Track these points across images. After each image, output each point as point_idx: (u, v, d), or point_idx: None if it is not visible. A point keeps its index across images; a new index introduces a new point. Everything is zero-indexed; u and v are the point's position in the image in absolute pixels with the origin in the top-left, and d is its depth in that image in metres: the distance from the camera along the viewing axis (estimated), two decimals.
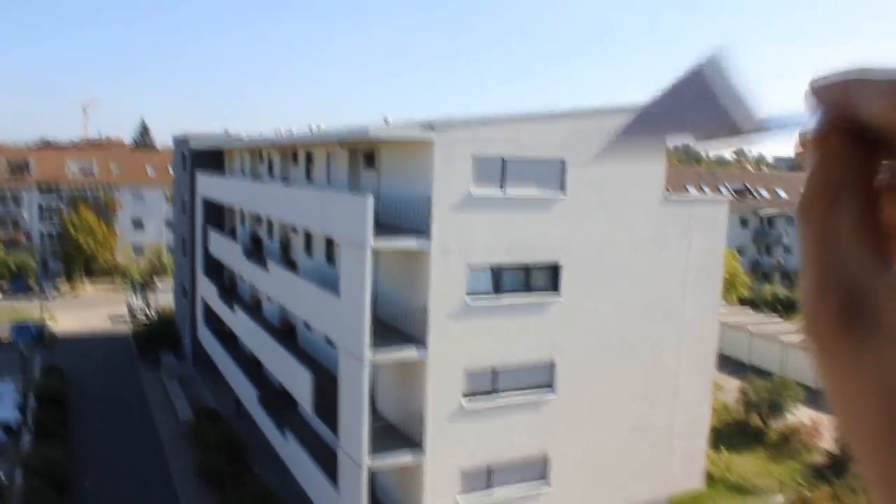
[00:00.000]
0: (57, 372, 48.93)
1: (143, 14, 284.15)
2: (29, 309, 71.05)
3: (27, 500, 29.52)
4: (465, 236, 21.87)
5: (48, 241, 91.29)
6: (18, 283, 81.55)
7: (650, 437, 26.92)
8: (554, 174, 23.49)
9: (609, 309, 24.96)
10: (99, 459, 36.94)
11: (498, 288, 22.99)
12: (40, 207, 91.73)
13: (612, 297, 24.91)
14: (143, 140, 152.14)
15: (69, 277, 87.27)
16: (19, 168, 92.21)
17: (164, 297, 66.30)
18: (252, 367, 36.99)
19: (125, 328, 66.63)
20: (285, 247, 34.01)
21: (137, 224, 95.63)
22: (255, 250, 37.63)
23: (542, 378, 24.22)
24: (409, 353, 21.67)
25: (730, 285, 68.06)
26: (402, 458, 22.08)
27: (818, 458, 38.12)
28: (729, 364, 53.22)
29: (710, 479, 34.06)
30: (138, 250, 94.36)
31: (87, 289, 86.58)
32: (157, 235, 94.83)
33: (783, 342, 53.77)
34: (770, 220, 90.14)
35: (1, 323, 64.17)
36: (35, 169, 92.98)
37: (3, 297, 76.57)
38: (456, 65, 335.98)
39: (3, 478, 32.46)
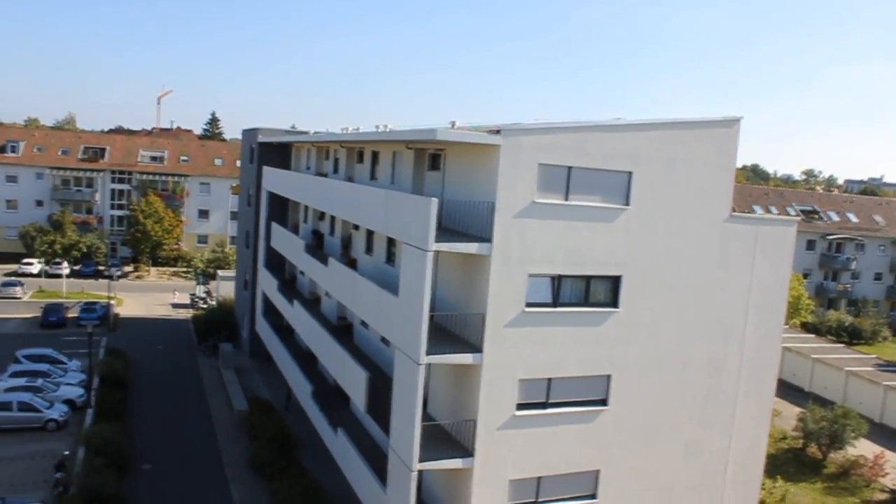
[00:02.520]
0: (120, 353, 50.23)
1: (222, 9, 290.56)
2: (96, 290, 73.10)
3: (88, 477, 30.30)
4: (526, 244, 21.72)
5: (118, 225, 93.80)
6: (88, 265, 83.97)
7: (704, 460, 26.37)
8: (619, 185, 23.18)
9: (668, 325, 24.53)
10: (155, 442, 37.77)
11: (557, 298, 22.77)
12: (112, 192, 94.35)
13: (671, 313, 24.48)
14: (213, 132, 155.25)
15: (135, 262, 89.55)
16: (95, 153, 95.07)
17: (225, 287, 67.48)
18: (307, 361, 37.40)
19: (186, 315, 68.07)
20: (346, 244, 34.30)
21: (203, 214, 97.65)
22: (317, 246, 38.06)
23: (596, 391, 23.90)
24: (464, 358, 21.61)
25: (793, 309, 66.46)
26: (452, 463, 22.00)
27: (879, 496, 36.91)
28: (788, 390, 51.94)
29: None
30: (202, 239, 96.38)
31: (152, 274, 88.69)
32: (222, 226, 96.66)
33: (847, 371, 52.22)
34: (838, 245, 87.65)
35: (70, 301, 66.20)
36: (110, 155, 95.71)
37: (73, 277, 78.82)
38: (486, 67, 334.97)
39: (67, 452, 33.38)
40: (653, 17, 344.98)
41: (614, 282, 23.48)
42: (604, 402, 23.95)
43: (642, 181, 23.25)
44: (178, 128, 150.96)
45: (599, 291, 23.47)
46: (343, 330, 33.20)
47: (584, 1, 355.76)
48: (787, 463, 40.00)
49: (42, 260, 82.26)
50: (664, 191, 23.65)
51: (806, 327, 72.57)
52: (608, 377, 23.85)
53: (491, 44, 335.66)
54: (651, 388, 24.62)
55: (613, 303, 23.55)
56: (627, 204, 23.18)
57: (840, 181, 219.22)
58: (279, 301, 42.45)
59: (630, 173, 23.12)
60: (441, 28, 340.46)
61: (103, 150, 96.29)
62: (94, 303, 64.84)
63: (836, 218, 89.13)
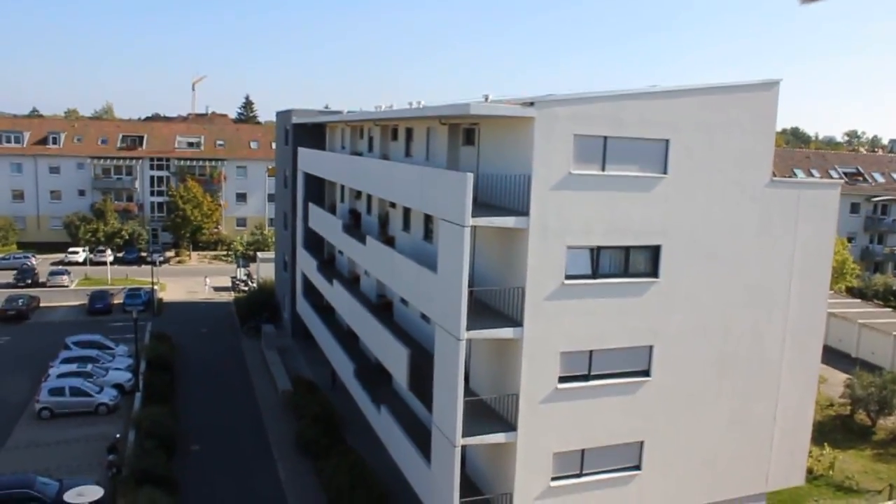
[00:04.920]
0: (165, 337, 51.10)
1: None
2: (139, 276, 74.35)
3: (140, 458, 30.97)
4: (563, 216, 21.55)
5: (158, 211, 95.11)
6: (131, 252, 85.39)
7: (749, 430, 26.12)
8: (656, 154, 22.85)
9: (710, 294, 24.24)
10: (202, 423, 38.44)
11: (596, 269, 22.60)
12: (151, 179, 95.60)
13: (713, 281, 24.18)
14: (247, 115, 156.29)
15: (176, 247, 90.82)
16: (133, 142, 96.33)
17: (265, 268, 68.16)
18: (349, 340, 37.69)
19: (227, 297, 68.96)
20: (383, 222, 34.36)
21: (240, 197, 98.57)
22: (354, 225, 38.20)
23: (638, 362, 23.75)
24: (505, 332, 21.59)
25: (838, 274, 65.30)
26: (495, 437, 22.07)
27: None
28: (835, 356, 51.16)
29: (812, 476, 32.89)
30: (241, 222, 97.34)
31: (193, 258, 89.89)
32: (260, 208, 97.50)
33: (895, 336, 51.26)
34: (884, 207, 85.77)
35: (115, 288, 67.43)
36: (147, 142, 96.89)
37: (117, 264, 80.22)
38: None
39: (118, 435, 34.14)
40: None
41: (654, 251, 23.24)
42: (646, 373, 23.81)
43: (680, 149, 22.91)
44: (213, 112, 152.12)
45: (639, 261, 23.25)
46: (383, 308, 33.35)
47: None
48: (834, 430, 39.48)
49: (86, 248, 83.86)
50: (702, 158, 23.28)
51: (851, 292, 71.29)
52: (650, 348, 23.68)
53: (521, 16, 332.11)
54: (694, 357, 24.40)
55: (654, 273, 23.32)
56: (665, 172, 22.87)
57: (885, 141, 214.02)
58: (319, 281, 42.76)
59: (667, 141, 22.79)
60: (467, 3, 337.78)
61: (141, 137, 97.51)
62: (138, 289, 65.97)
63: (881, 179, 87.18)
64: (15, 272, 72.82)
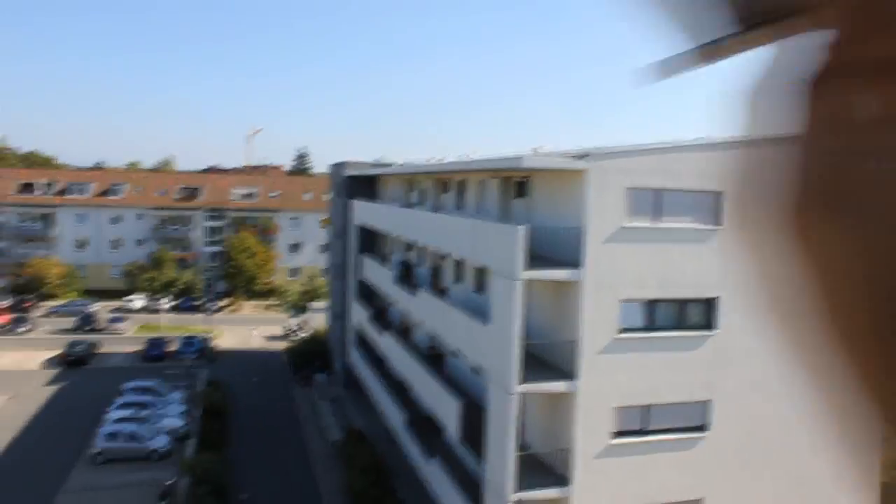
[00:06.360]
0: (218, 385, 51.66)
1: (305, 47, 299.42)
2: (194, 324, 75.56)
3: None
4: (617, 269, 21.47)
5: (213, 261, 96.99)
6: (186, 300, 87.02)
7: (812, 492, 25.29)
8: (710, 206, 22.72)
9: (769, 347, 23.75)
10: (253, 471, 38.59)
11: (651, 322, 22.40)
12: (207, 229, 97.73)
13: (772, 334, 23.67)
14: (301, 166, 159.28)
15: (230, 296, 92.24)
16: (191, 193, 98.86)
17: (318, 318, 68.71)
18: (400, 391, 37.67)
19: (280, 347, 69.58)
20: (435, 274, 34.53)
21: (294, 247, 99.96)
22: (406, 276, 38.43)
23: (695, 417, 23.31)
24: (558, 386, 21.43)
25: None
26: (548, 493, 21.77)
27: None
28: None
29: None
30: (294, 272, 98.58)
31: (247, 307, 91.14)
32: (313, 259, 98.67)
33: None
34: None
35: (170, 336, 68.61)
36: (204, 194, 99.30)
37: (173, 312, 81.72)
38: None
39: (170, 482, 34.48)
40: None
41: (710, 304, 22.95)
42: (703, 429, 23.32)
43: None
44: (269, 164, 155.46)
45: (695, 314, 22.98)
46: (435, 359, 33.34)
47: None
48: None
49: (144, 296, 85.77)
50: None
51: None
52: (707, 402, 23.24)
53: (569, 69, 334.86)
54: (753, 412, 23.84)
55: (710, 325, 22.99)
56: (720, 223, 22.67)
57: None
58: (371, 331, 42.98)
59: (720, 193, 22.64)
60: (513, 57, 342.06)
61: (198, 189, 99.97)
62: (193, 336, 67.01)
63: None
64: (76, 318, 74.80)
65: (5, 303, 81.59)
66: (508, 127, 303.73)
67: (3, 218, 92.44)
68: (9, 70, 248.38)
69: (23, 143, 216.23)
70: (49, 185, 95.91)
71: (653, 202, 22.04)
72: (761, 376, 23.83)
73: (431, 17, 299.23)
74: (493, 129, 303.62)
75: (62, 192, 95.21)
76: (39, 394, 52.18)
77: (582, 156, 21.57)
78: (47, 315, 79.80)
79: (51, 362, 61.29)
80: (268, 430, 45.58)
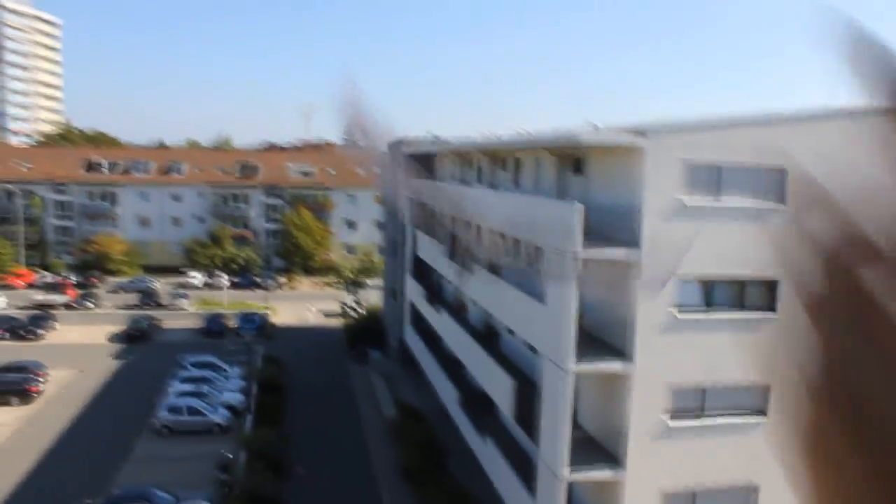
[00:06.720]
0: (276, 361, 52.49)
1: (364, 23, 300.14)
2: (252, 300, 76.81)
3: (249, 478, 31.82)
4: (674, 247, 21.06)
5: (271, 238, 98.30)
6: (245, 277, 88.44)
7: None
8: (773, 183, 22.05)
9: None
10: (309, 446, 39.16)
11: (708, 302, 21.95)
12: (265, 207, 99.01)
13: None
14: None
15: (287, 273, 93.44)
16: (249, 171, 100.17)
17: (373, 295, 69.22)
18: (454, 368, 37.73)
19: (336, 323, 70.31)
20: (491, 251, 34.34)
21: (350, 224, 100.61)
22: (461, 254, 38.33)
23: (754, 400, 22.81)
24: (613, 365, 21.18)
25: None
26: (602, 473, 21.61)
27: None
28: None
29: None
30: (350, 249, 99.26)
31: (304, 284, 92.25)
32: (368, 236, 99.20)
33: None
34: None
35: (229, 312, 69.88)
36: (262, 171, 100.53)
37: (232, 288, 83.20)
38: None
39: (230, 455, 35.22)
40: None
41: (770, 285, 22.35)
42: (763, 413, 22.83)
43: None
44: (325, 141, 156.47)
45: (754, 295, 22.41)
46: (489, 337, 33.27)
47: None
48: None
49: (203, 272, 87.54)
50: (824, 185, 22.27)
51: None
52: (766, 385, 22.71)
53: (632, 43, 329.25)
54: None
55: (770, 307, 22.41)
56: (783, 202, 22.01)
57: None
58: (426, 309, 43.08)
59: (783, 170, 21.95)
60: (572, 29, 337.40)
61: (256, 166, 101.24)
62: (252, 313, 68.13)
63: None
64: (139, 295, 76.69)
65: (72, 279, 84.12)
66: (566, 102, 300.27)
67: (70, 196, 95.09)
68: (75, 53, 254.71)
69: (87, 123, 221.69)
70: (113, 164, 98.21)
71: (712, 178, 21.51)
72: None
73: None
74: (551, 103, 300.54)
75: (126, 171, 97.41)
76: (105, 367, 53.80)
77: (640, 132, 21.13)
78: (112, 291, 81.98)
79: (115, 337, 63.07)
80: (324, 406, 46.18)
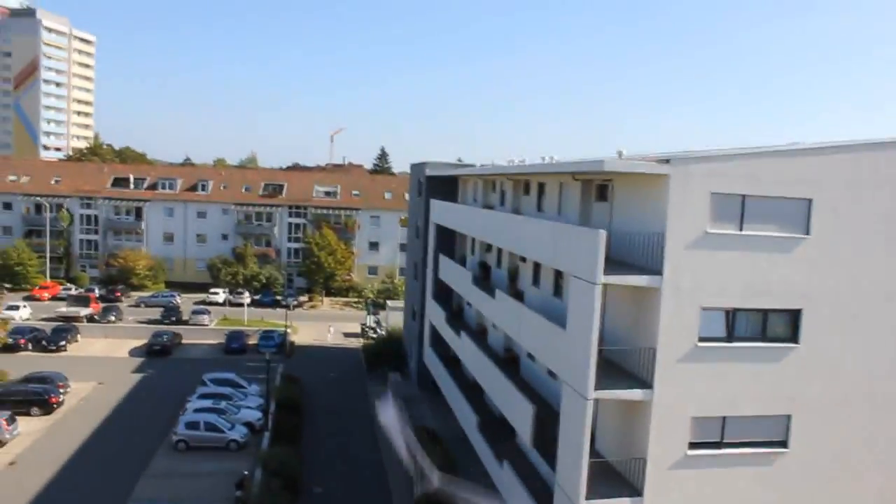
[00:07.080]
0: (295, 380, 52.62)
1: (392, 49, 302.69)
2: (273, 319, 77.17)
3: (265, 496, 31.81)
4: (698, 276, 20.96)
5: (294, 257, 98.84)
6: (267, 295, 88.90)
7: None
8: (798, 213, 21.91)
9: (855, 361, 22.81)
10: (326, 466, 39.15)
11: (731, 332, 21.78)
12: (289, 226, 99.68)
13: (859, 348, 22.75)
14: (382, 166, 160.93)
15: (310, 292, 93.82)
16: (274, 190, 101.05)
17: (394, 317, 69.31)
18: (473, 392, 37.63)
19: (356, 344, 70.42)
20: (513, 276, 34.38)
21: (373, 246, 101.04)
22: (483, 278, 38.40)
23: (775, 431, 22.56)
24: (634, 394, 21.05)
25: None
26: (621, 502, 21.40)
27: None
28: None
29: None
30: (373, 271, 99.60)
31: (325, 303, 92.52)
32: (391, 258, 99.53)
33: None
34: None
35: (250, 329, 70.19)
36: (287, 191, 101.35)
37: (253, 306, 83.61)
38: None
39: (246, 472, 35.25)
40: (815, 28, 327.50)
41: (794, 315, 22.17)
42: (784, 444, 22.56)
43: (824, 208, 21.88)
44: (350, 163, 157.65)
45: (778, 325, 22.22)
46: (509, 362, 33.21)
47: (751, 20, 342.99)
48: None
49: (226, 290, 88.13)
50: (849, 218, 22.14)
51: None
52: (788, 417, 22.47)
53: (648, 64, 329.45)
54: (837, 429, 22.94)
55: (793, 337, 22.22)
56: (808, 233, 21.89)
57: None
58: (446, 332, 43.07)
59: (810, 200, 21.84)
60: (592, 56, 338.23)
61: (281, 186, 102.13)
62: (272, 331, 68.43)
63: None
64: (161, 310, 77.33)
65: (97, 292, 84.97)
66: (591, 130, 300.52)
67: (97, 210, 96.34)
68: (107, 71, 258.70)
69: (117, 139, 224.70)
70: (140, 180, 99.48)
71: (737, 208, 21.42)
72: (847, 393, 22.92)
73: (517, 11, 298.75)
74: (577, 131, 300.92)
75: (152, 187, 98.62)
76: (126, 381, 54.23)
77: (665, 160, 21.13)
78: (135, 305, 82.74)
79: (137, 351, 63.57)
80: (342, 427, 46.19)
